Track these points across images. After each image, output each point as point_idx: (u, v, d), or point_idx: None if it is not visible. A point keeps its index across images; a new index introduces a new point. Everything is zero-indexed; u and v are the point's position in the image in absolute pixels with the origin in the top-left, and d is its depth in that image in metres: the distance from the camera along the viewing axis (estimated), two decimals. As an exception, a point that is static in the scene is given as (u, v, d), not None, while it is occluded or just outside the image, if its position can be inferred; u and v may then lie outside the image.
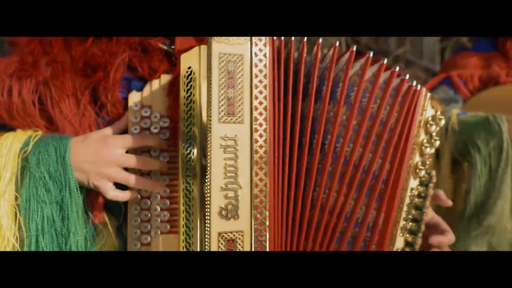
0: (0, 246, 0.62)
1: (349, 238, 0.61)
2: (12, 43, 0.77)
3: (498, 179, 1.04)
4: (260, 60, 0.56)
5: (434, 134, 0.66)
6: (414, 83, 0.63)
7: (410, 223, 0.65)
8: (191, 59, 0.59)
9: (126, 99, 0.71)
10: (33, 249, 0.62)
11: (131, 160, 0.64)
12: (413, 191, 0.65)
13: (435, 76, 1.45)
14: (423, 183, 0.65)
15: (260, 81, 0.56)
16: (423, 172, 0.65)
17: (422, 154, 0.65)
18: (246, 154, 0.55)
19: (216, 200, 0.54)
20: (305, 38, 0.59)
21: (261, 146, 0.56)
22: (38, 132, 0.65)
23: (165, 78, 0.71)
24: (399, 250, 0.65)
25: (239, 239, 0.54)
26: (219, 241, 0.54)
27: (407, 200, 0.63)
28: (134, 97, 0.71)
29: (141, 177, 0.66)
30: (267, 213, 0.55)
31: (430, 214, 0.71)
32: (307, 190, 0.59)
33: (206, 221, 0.54)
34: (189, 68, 0.59)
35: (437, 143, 0.67)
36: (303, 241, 0.59)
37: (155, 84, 0.71)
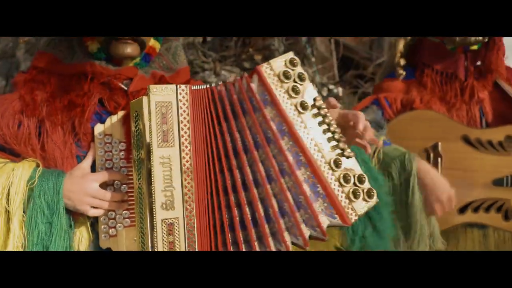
0: (11, 248, 0.88)
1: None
2: (14, 83, 1.04)
3: (410, 207, 1.26)
4: (184, 104, 0.85)
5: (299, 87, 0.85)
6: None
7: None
8: (138, 105, 0.87)
9: (94, 129, 0.98)
10: None
11: (101, 193, 0.92)
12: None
13: (367, 97, 1.65)
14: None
15: (184, 118, 0.85)
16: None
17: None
18: (177, 167, 0.84)
19: (159, 198, 0.82)
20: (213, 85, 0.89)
21: (187, 161, 0.84)
22: (40, 168, 0.92)
23: (121, 113, 0.98)
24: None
25: (176, 223, 0.83)
26: (162, 225, 0.82)
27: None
28: (98, 128, 0.97)
29: (110, 203, 0.93)
30: (194, 205, 0.84)
31: (335, 114, 0.92)
32: (219, 188, 0.88)
33: (154, 212, 0.82)
34: (136, 111, 0.87)
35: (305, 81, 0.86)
36: (218, 221, 0.88)
37: (114, 118, 0.98)
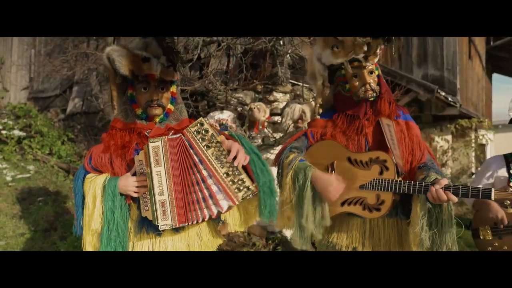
0: (98, 227, 1.89)
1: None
2: (101, 139, 2.07)
3: (304, 197, 1.85)
4: (165, 146, 1.80)
5: (205, 136, 1.80)
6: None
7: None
8: (145, 147, 1.84)
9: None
10: (105, 231, 1.87)
11: (135, 183, 1.89)
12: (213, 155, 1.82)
13: (300, 131, 2.21)
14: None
15: (166, 152, 1.80)
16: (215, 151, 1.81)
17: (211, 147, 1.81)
18: (164, 176, 1.80)
19: (156, 190, 1.79)
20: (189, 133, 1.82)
21: (169, 172, 1.80)
22: (108, 175, 1.92)
23: (145, 148, 1.97)
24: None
25: (165, 201, 1.79)
26: (159, 202, 1.79)
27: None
28: (136, 157, 1.97)
29: (139, 188, 1.91)
30: (173, 193, 1.80)
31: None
32: (185, 184, 1.81)
33: (155, 197, 1.80)
34: (145, 151, 1.84)
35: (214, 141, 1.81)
36: (182, 200, 1.81)
37: (141, 152, 1.97)
